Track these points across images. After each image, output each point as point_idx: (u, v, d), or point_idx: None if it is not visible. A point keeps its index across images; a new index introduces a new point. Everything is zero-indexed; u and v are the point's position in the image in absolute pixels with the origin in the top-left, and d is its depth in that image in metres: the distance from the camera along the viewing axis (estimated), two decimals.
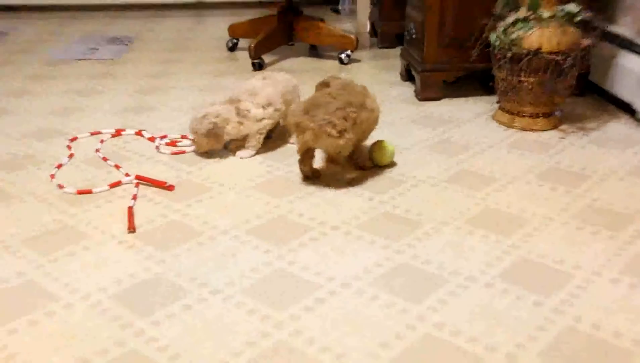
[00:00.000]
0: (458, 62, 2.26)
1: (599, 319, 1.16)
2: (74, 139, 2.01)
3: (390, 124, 2.11)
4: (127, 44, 3.25)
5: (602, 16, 2.14)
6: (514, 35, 1.95)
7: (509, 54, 1.97)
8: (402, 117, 2.18)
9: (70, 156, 1.89)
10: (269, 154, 1.89)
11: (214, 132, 1.80)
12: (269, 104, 1.87)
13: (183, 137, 2.00)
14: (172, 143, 1.96)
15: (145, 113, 2.24)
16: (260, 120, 1.86)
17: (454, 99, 2.33)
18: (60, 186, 1.69)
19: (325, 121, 1.58)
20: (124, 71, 2.77)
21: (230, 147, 1.90)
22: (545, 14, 1.94)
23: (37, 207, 1.59)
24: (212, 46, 3.19)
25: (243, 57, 2.93)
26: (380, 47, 3.09)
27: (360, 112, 1.65)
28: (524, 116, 2.04)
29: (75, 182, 1.72)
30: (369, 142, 1.80)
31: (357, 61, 2.89)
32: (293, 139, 1.94)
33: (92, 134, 2.05)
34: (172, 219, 1.52)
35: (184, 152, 1.90)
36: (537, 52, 1.92)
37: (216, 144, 1.83)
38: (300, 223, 1.50)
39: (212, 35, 3.44)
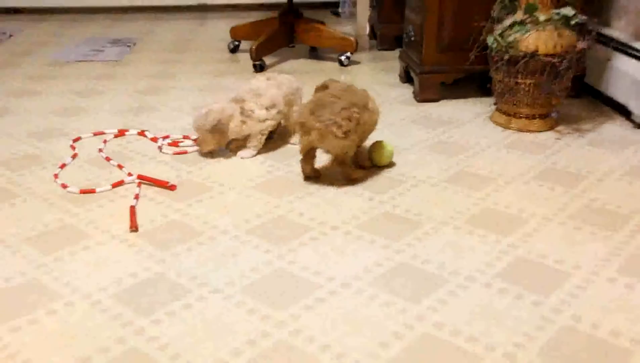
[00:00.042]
0: (456, 64, 2.27)
1: (598, 318, 1.17)
2: (77, 140, 2.02)
3: (390, 124, 2.11)
4: (129, 46, 3.26)
5: (597, 19, 2.15)
6: (511, 38, 1.96)
7: (506, 57, 1.98)
8: (401, 118, 2.18)
9: (74, 156, 1.89)
10: (270, 154, 1.90)
11: (218, 128, 1.80)
12: (273, 106, 1.87)
13: (185, 137, 2.01)
14: (174, 143, 1.97)
15: (145, 113, 2.25)
16: (263, 121, 1.86)
17: (453, 101, 2.34)
18: (64, 186, 1.69)
19: (331, 121, 1.58)
20: (125, 72, 2.78)
21: (231, 147, 1.91)
22: (542, 17, 1.95)
23: (40, 206, 1.60)
24: (213, 48, 3.20)
25: (244, 58, 2.94)
26: (379, 49, 3.10)
27: (363, 113, 1.65)
28: (520, 117, 2.05)
29: (79, 182, 1.73)
30: (368, 142, 1.80)
31: (357, 62, 2.90)
32: (294, 139, 1.95)
33: (95, 134, 2.06)
34: (173, 219, 1.53)
35: (186, 152, 1.91)
36: (534, 54, 1.93)
37: (221, 140, 1.83)
38: (300, 223, 1.51)
39: (214, 37, 3.44)
